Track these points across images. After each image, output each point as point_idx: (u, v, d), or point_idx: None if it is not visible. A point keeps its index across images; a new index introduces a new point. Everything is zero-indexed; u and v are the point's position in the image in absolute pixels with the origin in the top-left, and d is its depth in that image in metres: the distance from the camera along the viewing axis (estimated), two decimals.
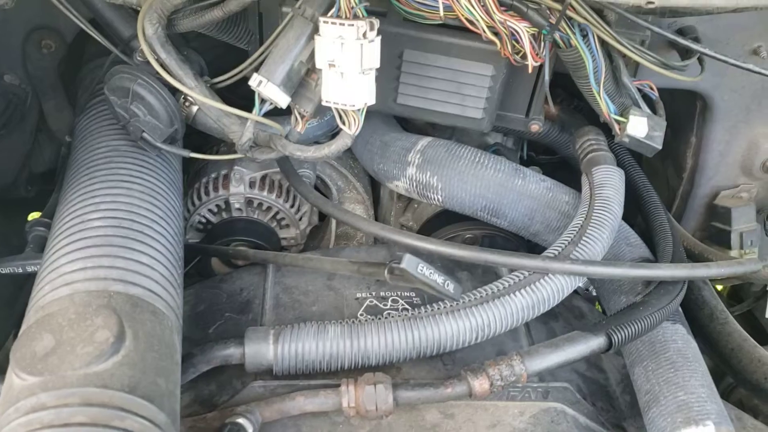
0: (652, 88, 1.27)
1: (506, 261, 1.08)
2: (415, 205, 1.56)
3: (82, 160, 1.22)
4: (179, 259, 1.11)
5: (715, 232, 1.55)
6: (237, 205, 1.48)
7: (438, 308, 1.04)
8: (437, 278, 0.96)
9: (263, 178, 1.49)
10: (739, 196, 1.54)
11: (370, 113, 1.20)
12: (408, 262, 0.94)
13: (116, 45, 1.26)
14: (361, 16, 1.00)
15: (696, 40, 1.25)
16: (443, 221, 1.48)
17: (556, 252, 1.11)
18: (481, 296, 1.06)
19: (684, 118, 1.53)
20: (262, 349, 1.01)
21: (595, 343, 1.01)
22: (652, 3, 0.75)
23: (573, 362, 1.01)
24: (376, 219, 1.64)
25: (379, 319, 1.04)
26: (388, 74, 1.23)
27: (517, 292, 1.05)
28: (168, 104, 1.19)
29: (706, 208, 1.57)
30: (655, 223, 1.29)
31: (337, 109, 1.06)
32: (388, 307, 1.18)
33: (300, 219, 1.54)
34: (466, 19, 1.06)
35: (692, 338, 1.12)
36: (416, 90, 1.24)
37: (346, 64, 0.99)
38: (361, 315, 1.17)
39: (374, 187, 1.65)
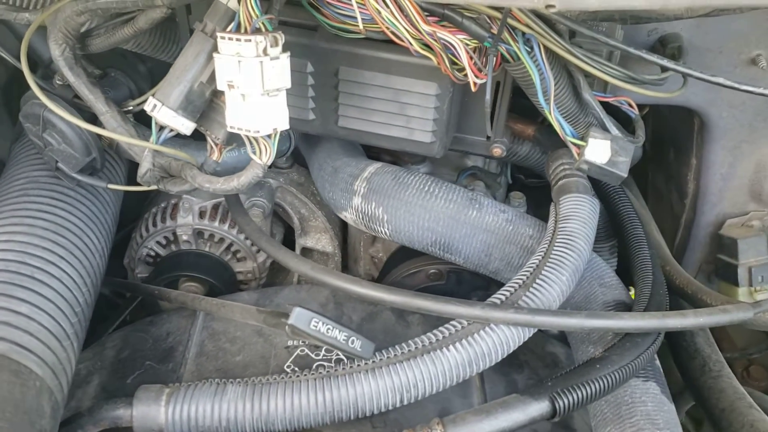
0: (631, 106, 1.11)
1: (439, 308, 0.93)
2: None
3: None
4: (82, 304, 1.00)
5: (722, 266, 1.37)
6: (185, 237, 1.37)
7: (357, 366, 0.90)
8: (337, 335, 0.82)
9: (215, 207, 1.37)
10: (749, 224, 1.36)
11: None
12: (297, 318, 0.80)
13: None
14: (264, 30, 0.87)
15: (679, 49, 1.09)
16: (408, 254, 1.34)
17: (503, 297, 0.96)
18: (409, 351, 0.91)
19: (684, 137, 1.36)
20: (152, 411, 0.89)
21: (534, 409, 0.85)
22: (553, 6, 0.61)
23: None
24: (344, 251, 1.51)
25: (287, 377, 0.90)
26: (327, 94, 1.10)
27: (450, 346, 0.91)
28: (82, 132, 1.08)
29: (712, 238, 1.39)
30: (636, 260, 1.12)
31: (246, 136, 0.93)
32: (320, 357, 1.04)
33: (258, 251, 1.42)
34: (391, 32, 0.93)
35: (668, 399, 0.95)
36: (357, 112, 1.11)
37: (246, 84, 0.87)
38: (288, 367, 1.03)
39: None
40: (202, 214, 1.36)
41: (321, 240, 1.48)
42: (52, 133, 1.09)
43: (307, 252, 1.50)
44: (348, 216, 1.20)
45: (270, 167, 1.43)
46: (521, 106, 1.20)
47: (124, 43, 1.08)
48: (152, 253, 1.40)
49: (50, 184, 1.12)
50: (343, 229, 1.51)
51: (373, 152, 1.39)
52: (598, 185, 1.24)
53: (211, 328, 1.13)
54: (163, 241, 1.39)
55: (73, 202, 1.11)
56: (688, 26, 1.11)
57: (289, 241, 1.51)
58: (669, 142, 1.46)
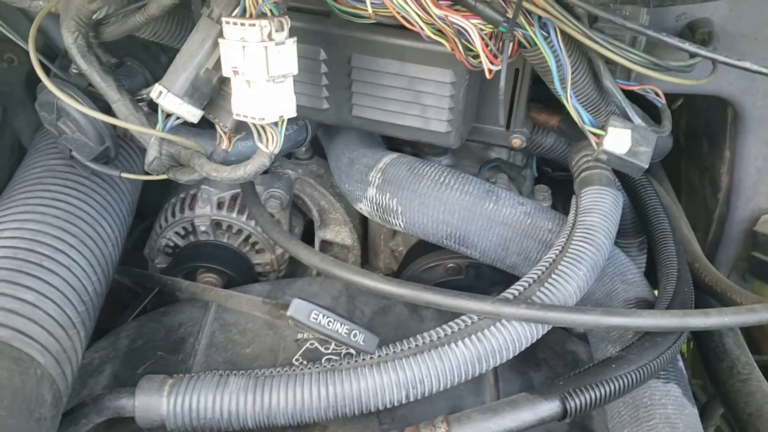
0: (657, 95, 1.06)
1: (448, 303, 0.90)
2: None
3: (16, 180, 1.14)
4: (91, 293, 1.00)
5: (756, 264, 1.31)
6: (203, 228, 1.36)
7: (361, 360, 0.87)
8: (339, 328, 0.79)
9: (233, 198, 1.36)
10: None
11: None
12: (296, 309, 0.78)
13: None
14: (269, 15, 0.85)
15: (710, 35, 1.04)
16: (427, 248, 1.31)
17: (516, 293, 0.92)
18: (416, 345, 0.88)
19: (718, 128, 1.30)
20: (154, 401, 0.87)
21: (544, 409, 0.81)
22: None
23: None
24: (365, 244, 1.48)
25: (291, 370, 0.88)
26: (340, 82, 1.08)
27: (459, 342, 0.87)
28: (95, 120, 1.08)
29: (746, 234, 1.33)
30: (660, 256, 1.07)
31: (253, 124, 0.91)
32: (329, 351, 1.02)
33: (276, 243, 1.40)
34: (401, 16, 0.90)
35: (690, 402, 0.91)
36: (371, 100, 1.08)
37: (251, 70, 0.85)
38: (297, 360, 1.01)
39: None
40: (220, 205, 1.35)
41: (340, 233, 1.46)
42: (66, 122, 1.09)
43: (326, 245, 1.48)
44: (363, 208, 1.18)
45: (289, 158, 1.43)
46: (546, 95, 1.15)
47: (137, 30, 1.07)
48: (171, 244, 1.40)
49: (65, 172, 1.12)
50: (363, 222, 1.49)
51: (394, 144, 1.36)
52: (624, 178, 1.19)
53: (223, 319, 1.11)
54: (182, 232, 1.38)
55: (87, 191, 1.11)
56: (719, 11, 1.05)
57: (309, 234, 1.50)
58: (702, 134, 1.40)
